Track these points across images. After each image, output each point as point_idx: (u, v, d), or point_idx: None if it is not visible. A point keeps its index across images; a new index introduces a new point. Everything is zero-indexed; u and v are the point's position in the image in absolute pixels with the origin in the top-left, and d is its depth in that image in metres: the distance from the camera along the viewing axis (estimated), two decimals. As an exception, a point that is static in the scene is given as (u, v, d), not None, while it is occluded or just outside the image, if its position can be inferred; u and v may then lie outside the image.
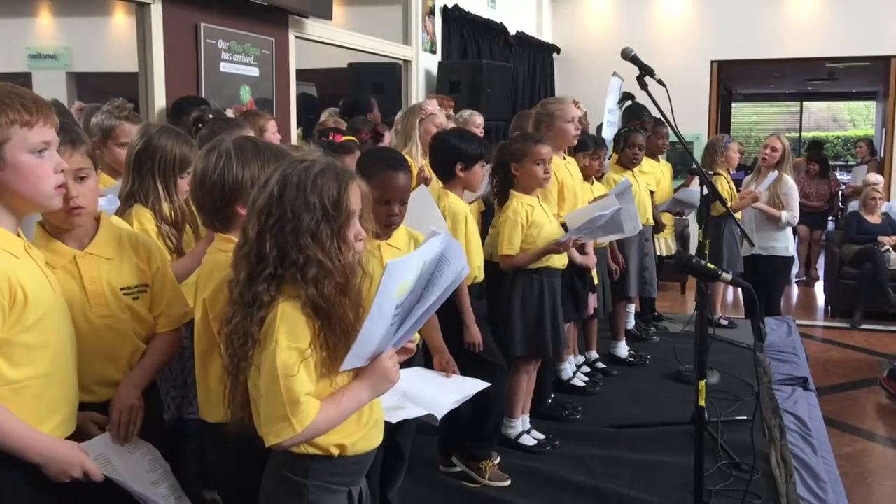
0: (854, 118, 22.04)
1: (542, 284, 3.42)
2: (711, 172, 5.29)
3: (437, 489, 3.22)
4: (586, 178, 4.36)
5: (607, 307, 4.60)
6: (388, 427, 1.88)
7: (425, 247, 1.69)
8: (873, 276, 7.37)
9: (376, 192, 2.20)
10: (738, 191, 5.92)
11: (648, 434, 3.76)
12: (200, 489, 2.80)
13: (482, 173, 3.32)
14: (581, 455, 3.52)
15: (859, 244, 7.67)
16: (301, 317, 1.62)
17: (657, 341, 5.44)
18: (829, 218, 14.07)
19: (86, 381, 1.91)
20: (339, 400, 1.66)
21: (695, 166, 4.17)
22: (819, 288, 9.00)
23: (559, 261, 3.48)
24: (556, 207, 3.80)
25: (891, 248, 7.58)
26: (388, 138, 4.29)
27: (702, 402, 2.50)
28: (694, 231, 7.95)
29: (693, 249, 7.31)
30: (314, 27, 5.20)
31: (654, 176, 5.43)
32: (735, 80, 14.05)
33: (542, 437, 3.64)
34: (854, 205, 8.35)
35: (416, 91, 6.60)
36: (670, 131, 5.54)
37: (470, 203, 3.50)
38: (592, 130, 5.50)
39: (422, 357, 2.72)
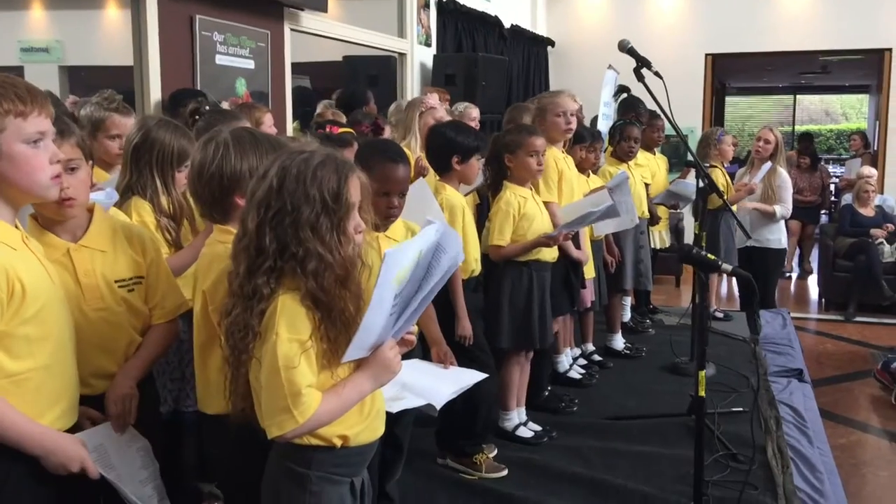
0: (846, 112, 22.10)
1: (531, 277, 3.42)
2: (707, 165, 5.29)
3: (435, 481, 3.23)
4: (582, 171, 4.36)
5: (603, 300, 4.62)
6: (387, 419, 1.88)
7: (421, 235, 1.68)
8: (867, 268, 7.39)
9: (376, 184, 2.20)
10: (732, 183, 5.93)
11: (645, 426, 3.77)
12: (198, 482, 2.80)
13: (478, 166, 3.33)
14: (578, 447, 3.53)
15: (853, 237, 7.70)
16: (301, 309, 1.61)
17: (653, 334, 5.46)
18: (823, 211, 14.13)
19: (82, 374, 1.90)
20: (342, 391, 1.66)
21: (691, 158, 4.17)
22: (813, 281, 9.03)
23: (549, 254, 3.48)
24: (555, 195, 3.80)
25: (884, 241, 7.61)
26: (388, 132, 4.28)
27: (702, 393, 2.51)
28: (688, 224, 7.97)
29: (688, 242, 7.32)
30: (309, 19, 5.19)
31: (649, 169, 5.45)
32: (729, 74, 14.07)
33: (538, 428, 3.65)
34: (847, 198, 8.37)
35: (412, 84, 6.59)
36: (666, 124, 5.57)
37: (465, 196, 3.50)
38: (587, 123, 5.49)
39: (420, 349, 2.72)
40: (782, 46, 9.16)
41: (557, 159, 3.84)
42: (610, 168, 4.92)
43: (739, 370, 4.52)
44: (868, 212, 7.86)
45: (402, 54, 6.57)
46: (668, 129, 5.64)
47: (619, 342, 5.01)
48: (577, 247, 3.88)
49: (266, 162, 1.73)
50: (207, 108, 3.32)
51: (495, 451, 3.40)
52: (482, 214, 3.97)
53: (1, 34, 7.85)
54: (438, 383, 2.34)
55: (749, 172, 5.92)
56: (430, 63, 6.81)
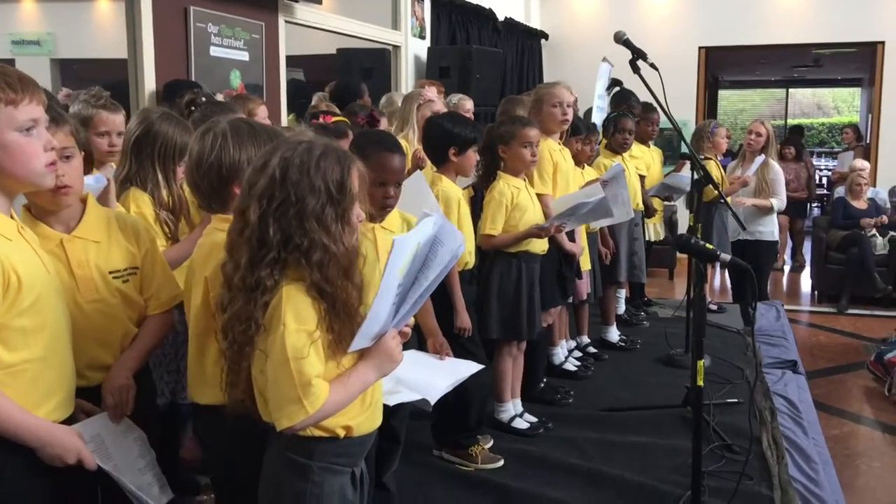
0: (838, 105, 22.18)
1: (520, 268, 3.42)
2: (701, 157, 5.30)
3: (432, 472, 3.23)
4: (578, 163, 4.36)
5: (598, 292, 4.62)
6: (384, 410, 1.88)
7: (419, 228, 1.68)
8: (860, 261, 7.42)
9: (372, 174, 2.18)
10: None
11: (640, 417, 3.78)
12: (195, 474, 2.80)
13: (475, 158, 3.32)
14: (574, 438, 3.54)
15: (845, 229, 7.73)
16: (306, 299, 1.61)
17: (647, 326, 5.47)
18: (816, 205, 14.13)
19: (77, 366, 1.89)
20: (347, 381, 1.66)
21: (686, 151, 4.17)
22: (806, 273, 9.06)
23: (539, 246, 3.49)
24: (549, 188, 3.80)
25: (877, 233, 7.64)
26: (384, 124, 4.28)
27: (700, 382, 2.51)
28: (682, 218, 7.98)
29: (682, 235, 7.32)
30: (304, 11, 5.17)
31: (643, 161, 5.45)
32: (721, 67, 14.07)
33: (534, 420, 3.65)
34: (840, 190, 8.40)
35: (406, 77, 6.58)
36: (660, 118, 5.58)
37: (463, 189, 3.49)
38: (581, 116, 5.49)
39: (415, 340, 2.72)
40: (775, 39, 9.18)
41: (552, 151, 3.83)
42: (605, 160, 4.92)
43: (733, 362, 4.54)
44: (861, 204, 7.88)
45: (396, 47, 6.56)
46: (663, 123, 5.66)
47: (613, 334, 5.02)
48: (572, 239, 3.88)
49: (261, 152, 1.71)
50: (203, 99, 3.32)
51: (491, 443, 3.41)
52: (476, 207, 3.96)
53: (-8, 27, 7.83)
54: (434, 376, 2.34)
55: (740, 165, 5.93)
56: (424, 56, 6.80)
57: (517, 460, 3.31)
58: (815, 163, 16.42)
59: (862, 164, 8.23)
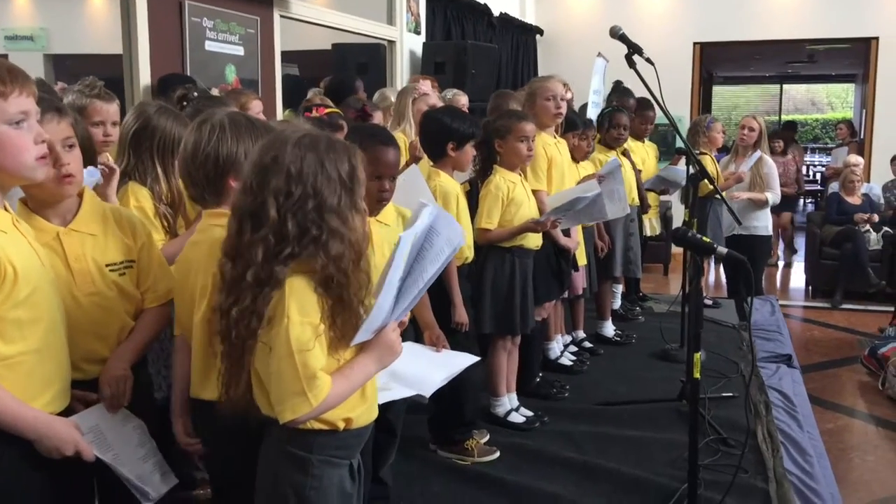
0: (832, 101, 22.22)
1: (513, 263, 3.43)
2: (697, 152, 5.31)
3: (429, 466, 3.23)
4: (574, 159, 4.35)
5: (593, 287, 4.63)
6: (379, 404, 1.88)
7: (419, 220, 1.69)
8: (854, 256, 7.45)
9: (368, 167, 2.19)
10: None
11: (636, 411, 3.79)
12: (192, 469, 2.79)
13: (472, 153, 3.32)
14: (570, 432, 3.54)
15: (839, 225, 7.75)
16: (311, 292, 1.61)
17: (643, 321, 5.48)
18: (809, 201, 14.13)
19: (74, 359, 1.89)
20: (350, 373, 1.66)
21: (681, 146, 4.17)
22: (799, 269, 9.08)
23: (533, 241, 3.49)
24: (545, 183, 3.80)
25: (871, 229, 7.66)
26: (377, 118, 4.27)
27: (696, 375, 2.52)
28: (676, 213, 7.99)
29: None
30: (299, 6, 5.16)
31: (638, 155, 5.45)
32: (716, 63, 14.10)
33: (530, 414, 3.65)
34: (834, 186, 8.43)
35: (401, 72, 6.57)
36: (656, 115, 5.59)
37: (461, 185, 3.49)
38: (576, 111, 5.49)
39: (412, 332, 2.72)
40: (769, 35, 9.20)
41: (547, 145, 3.83)
42: (600, 155, 4.92)
43: (728, 356, 4.55)
44: (855, 200, 7.91)
45: (391, 42, 6.56)
46: (658, 118, 5.67)
47: (609, 329, 5.03)
48: (567, 234, 3.88)
49: (260, 148, 1.68)
50: (196, 94, 3.31)
51: (487, 437, 3.41)
52: (472, 202, 3.96)
53: (-15, 22, 7.80)
54: (429, 369, 2.33)
55: (733, 161, 5.95)
56: (419, 51, 6.79)
57: (513, 454, 3.31)
58: (808, 159, 16.48)
59: (856, 159, 8.25)
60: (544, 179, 3.81)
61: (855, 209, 7.81)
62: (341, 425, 1.71)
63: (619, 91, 5.74)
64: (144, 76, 3.95)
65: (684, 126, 6.76)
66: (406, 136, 4.05)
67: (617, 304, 5.49)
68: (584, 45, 7.51)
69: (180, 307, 1.99)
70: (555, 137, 4.02)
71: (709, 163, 5.52)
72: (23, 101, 1.67)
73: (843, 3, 8.77)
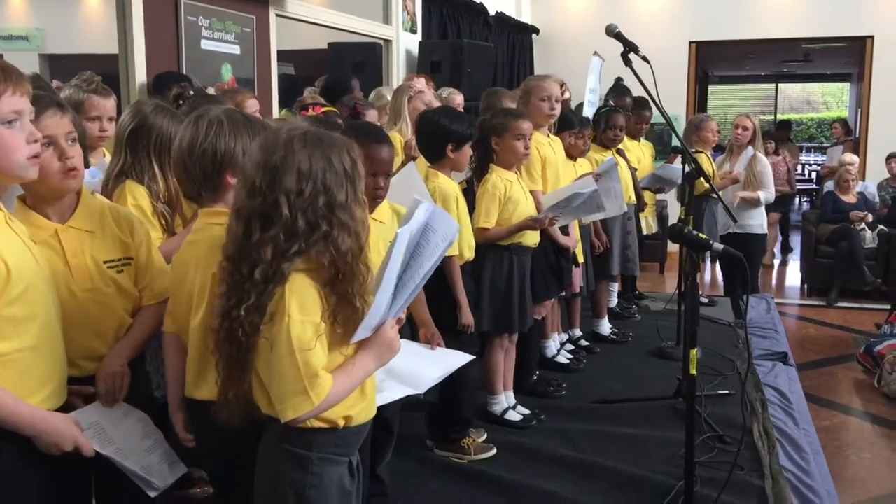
0: (827, 100, 22.26)
1: (511, 261, 3.43)
2: (693, 150, 5.32)
3: (426, 464, 3.24)
4: (571, 157, 4.36)
5: (590, 286, 4.64)
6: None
7: (415, 217, 1.69)
8: (849, 254, 7.46)
9: (363, 164, 2.19)
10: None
11: (632, 409, 3.80)
12: (191, 467, 2.79)
13: (470, 153, 3.31)
14: (567, 430, 3.55)
15: (835, 223, 7.77)
16: (312, 289, 1.61)
17: (639, 319, 5.50)
18: (805, 199, 14.13)
19: (71, 356, 1.89)
20: (350, 371, 1.66)
21: (677, 145, 4.18)
22: (795, 267, 9.09)
23: (531, 239, 3.49)
24: (539, 183, 3.80)
25: (866, 227, 7.68)
26: (371, 117, 4.27)
27: (693, 371, 2.52)
28: (672, 211, 8.00)
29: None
30: (295, 5, 5.16)
31: (634, 154, 5.46)
32: (711, 62, 14.11)
33: (527, 412, 3.66)
34: (829, 185, 8.44)
35: (397, 71, 6.57)
36: (652, 115, 5.60)
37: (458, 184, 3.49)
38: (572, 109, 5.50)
39: (408, 330, 2.72)
40: (765, 34, 9.21)
41: (540, 145, 3.82)
42: (596, 155, 4.92)
43: (725, 354, 4.57)
44: (850, 199, 7.93)
45: (387, 41, 6.55)
46: (654, 117, 5.67)
47: (605, 327, 5.04)
48: (566, 233, 3.89)
49: (262, 148, 1.67)
50: (191, 92, 3.30)
51: (484, 435, 3.42)
52: (468, 200, 3.96)
53: (-21, 22, 7.78)
54: (424, 367, 2.33)
55: (728, 160, 5.96)
56: (415, 50, 6.79)
57: (510, 452, 3.32)
58: (804, 158, 16.48)
59: (851, 158, 8.27)
60: (539, 179, 3.82)
61: (850, 207, 7.83)
62: (341, 423, 1.71)
63: (616, 89, 5.75)
64: (140, 75, 3.94)
65: (680, 125, 6.76)
66: (402, 135, 4.04)
67: (613, 302, 5.50)
68: (580, 43, 7.51)
69: (176, 306, 1.99)
70: (548, 136, 4.02)
71: (705, 161, 5.53)
72: (16, 100, 1.66)
73: (838, 3, 8.78)
